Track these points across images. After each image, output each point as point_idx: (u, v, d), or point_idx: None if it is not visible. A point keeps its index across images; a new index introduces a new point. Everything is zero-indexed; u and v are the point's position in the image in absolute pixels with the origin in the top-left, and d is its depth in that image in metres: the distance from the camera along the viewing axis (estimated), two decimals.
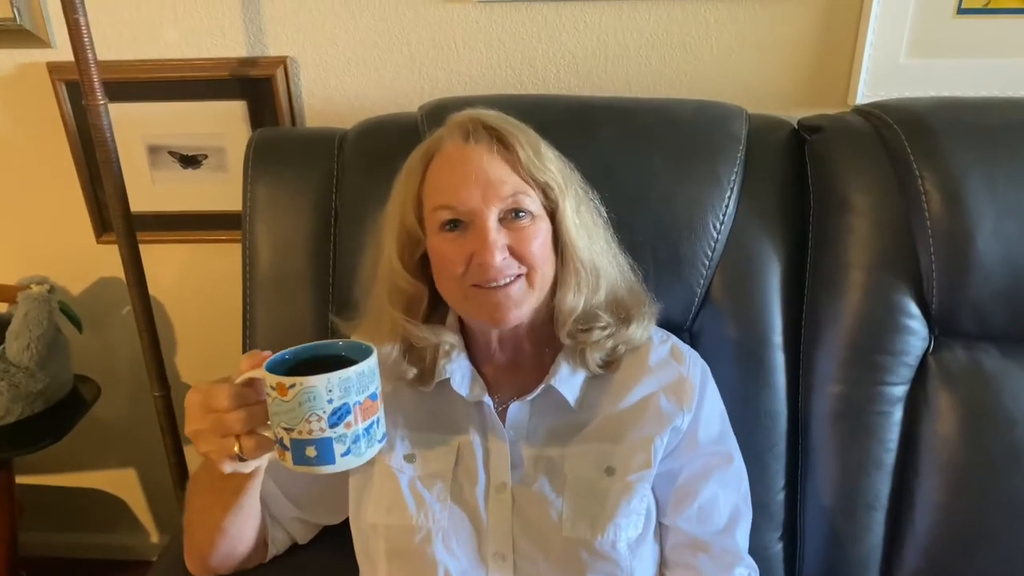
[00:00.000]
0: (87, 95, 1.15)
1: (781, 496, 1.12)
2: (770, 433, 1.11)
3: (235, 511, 0.87)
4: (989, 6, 1.25)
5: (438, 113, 1.16)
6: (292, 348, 0.75)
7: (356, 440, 0.70)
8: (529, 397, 0.90)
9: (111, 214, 1.27)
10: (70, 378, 1.50)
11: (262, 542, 0.99)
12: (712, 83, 1.34)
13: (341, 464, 0.70)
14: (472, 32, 1.33)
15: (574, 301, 0.89)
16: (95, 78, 1.14)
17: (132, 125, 1.40)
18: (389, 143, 1.19)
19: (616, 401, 0.92)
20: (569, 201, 0.88)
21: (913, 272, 1.06)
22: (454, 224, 0.85)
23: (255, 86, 1.38)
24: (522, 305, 0.86)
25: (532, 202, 0.86)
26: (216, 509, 0.88)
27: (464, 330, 0.96)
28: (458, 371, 0.92)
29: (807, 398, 1.11)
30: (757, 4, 1.28)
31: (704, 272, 1.10)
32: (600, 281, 0.91)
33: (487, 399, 0.91)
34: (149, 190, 1.45)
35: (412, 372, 0.92)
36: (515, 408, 0.91)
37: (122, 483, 1.85)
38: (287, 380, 0.68)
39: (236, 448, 0.72)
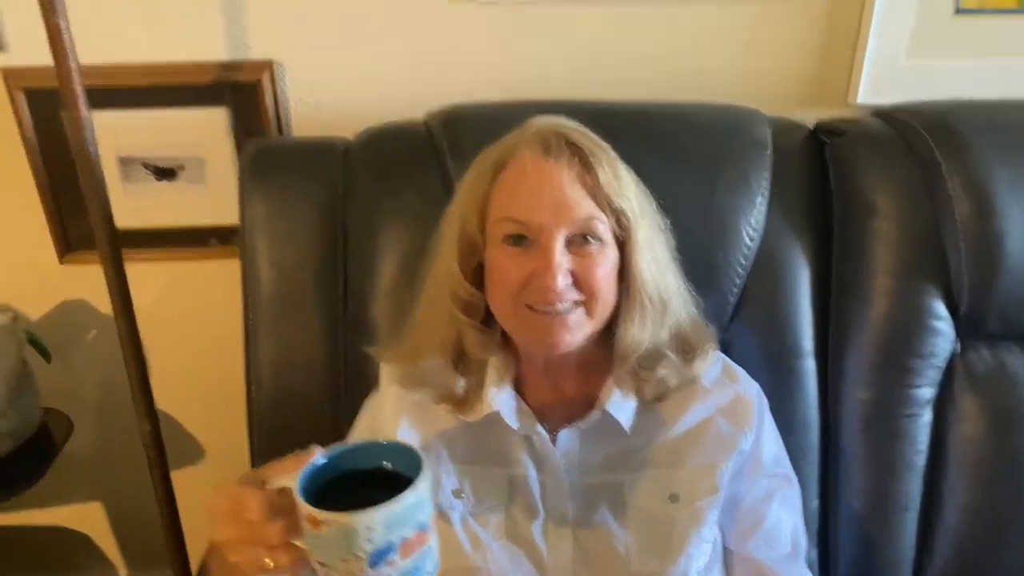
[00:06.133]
0: (69, 106, 1.03)
1: (815, 504, 1.11)
2: (803, 441, 1.09)
3: None
4: (984, 7, 1.27)
5: (454, 121, 1.11)
6: (329, 451, 0.63)
7: None
8: (582, 425, 0.86)
9: (95, 233, 1.14)
10: (38, 414, 1.38)
11: None
12: (714, 85, 1.30)
13: None
14: (473, 35, 1.27)
15: (639, 336, 0.85)
16: (78, 88, 1.02)
17: (102, 135, 1.26)
18: (399, 153, 1.13)
19: (671, 424, 0.88)
20: (642, 231, 0.84)
21: (941, 275, 1.06)
22: (518, 239, 0.80)
23: (238, 92, 1.28)
24: (576, 333, 0.82)
25: (604, 228, 0.81)
26: None
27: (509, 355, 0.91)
28: (505, 402, 0.86)
29: (837, 404, 1.10)
30: (758, 6, 1.26)
31: (737, 281, 1.08)
32: (666, 317, 0.87)
33: (540, 429, 0.86)
34: (122, 205, 1.33)
35: (460, 386, 0.87)
36: (565, 436, 0.86)
37: (86, 518, 1.71)
38: (319, 515, 0.56)
39: (269, 561, 0.62)
